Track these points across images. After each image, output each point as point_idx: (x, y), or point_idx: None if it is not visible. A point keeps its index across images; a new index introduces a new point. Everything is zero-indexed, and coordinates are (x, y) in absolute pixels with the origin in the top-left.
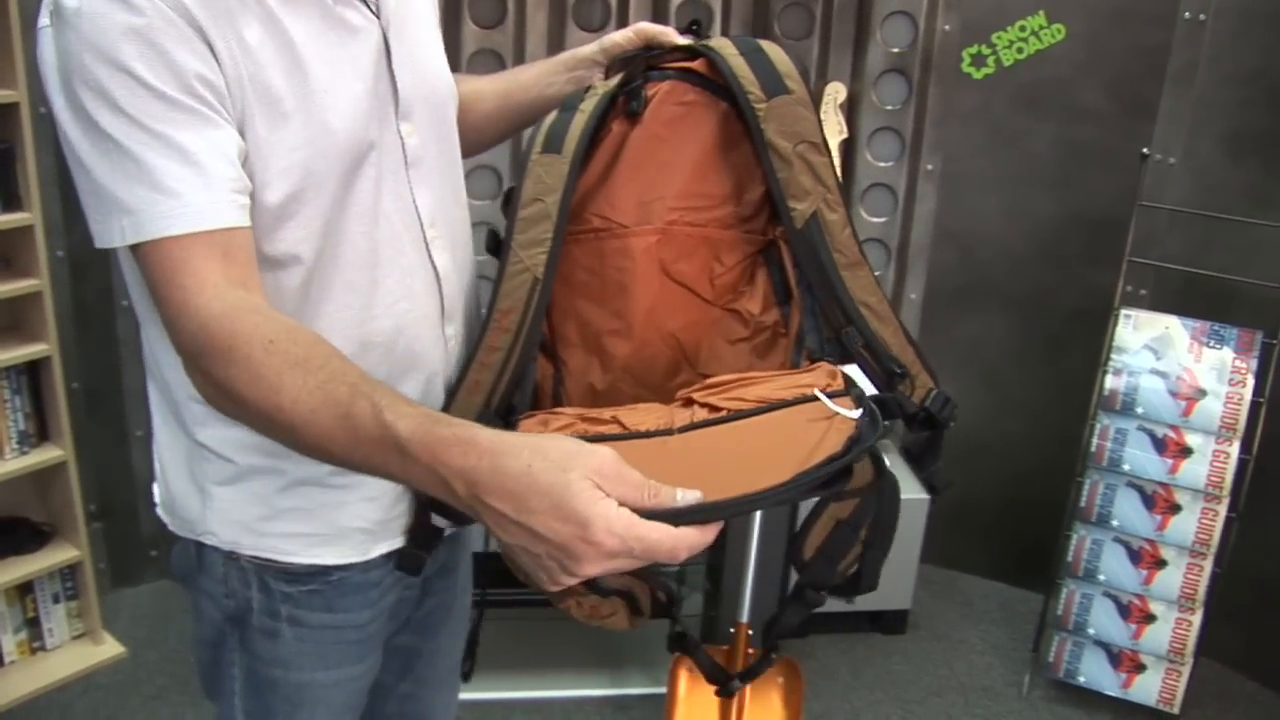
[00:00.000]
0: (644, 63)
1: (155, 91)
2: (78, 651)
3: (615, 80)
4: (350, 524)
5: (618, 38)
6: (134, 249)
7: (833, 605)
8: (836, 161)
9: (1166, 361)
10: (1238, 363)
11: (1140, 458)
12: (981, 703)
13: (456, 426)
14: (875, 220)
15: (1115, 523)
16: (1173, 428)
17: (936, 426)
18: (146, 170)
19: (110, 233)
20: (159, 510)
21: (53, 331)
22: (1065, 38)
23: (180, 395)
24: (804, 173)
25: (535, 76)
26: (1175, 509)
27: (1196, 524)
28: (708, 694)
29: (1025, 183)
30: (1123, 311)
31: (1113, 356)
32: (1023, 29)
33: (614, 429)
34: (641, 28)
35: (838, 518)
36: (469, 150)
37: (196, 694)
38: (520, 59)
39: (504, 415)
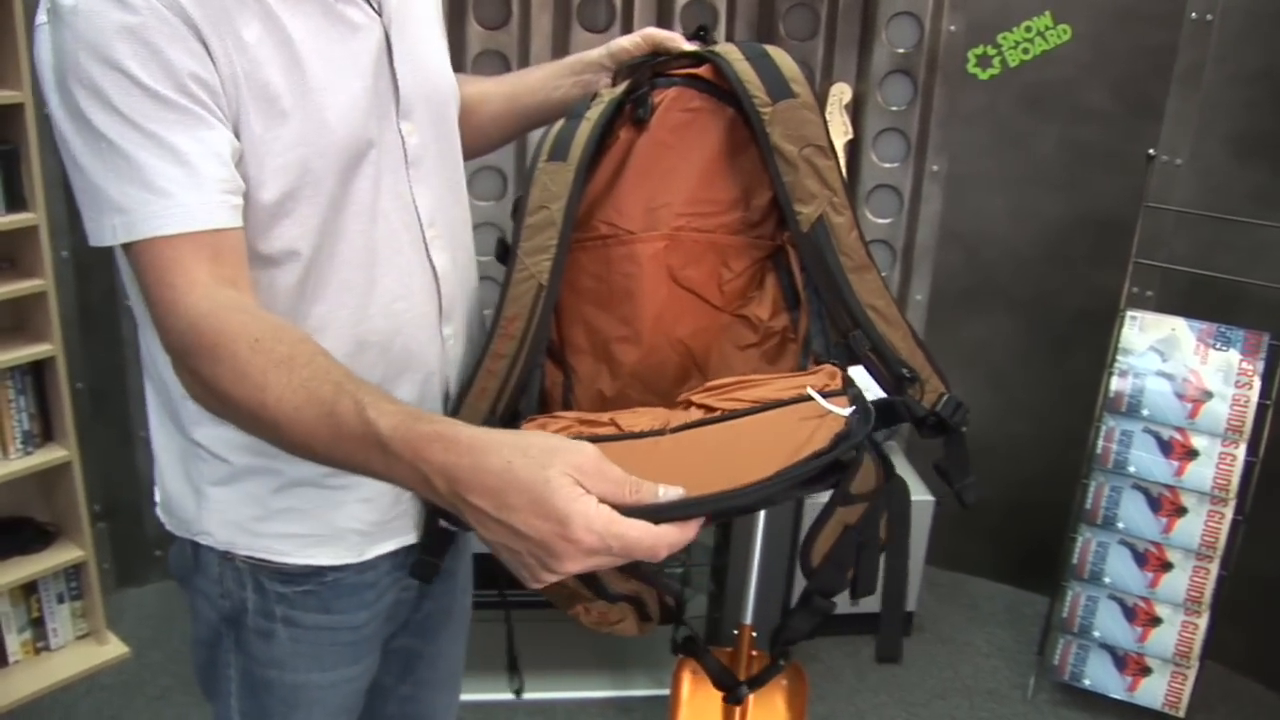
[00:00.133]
0: (650, 69)
1: (149, 90)
2: (82, 651)
3: (621, 87)
4: (346, 525)
5: (625, 43)
6: (125, 248)
7: (838, 606)
8: (841, 162)
9: (1172, 363)
10: (1244, 365)
11: (1146, 460)
12: (986, 705)
13: (438, 423)
14: (880, 221)
15: (1121, 525)
16: (1179, 430)
17: (948, 431)
18: (138, 169)
19: (103, 231)
20: (158, 510)
21: (57, 332)
22: (1071, 38)
23: (176, 394)
24: (810, 176)
25: (542, 79)
26: (1181, 511)
27: (1202, 527)
28: (711, 696)
29: (1031, 184)
30: (1128, 313)
31: (1118, 358)
32: (1028, 30)
33: (610, 430)
34: (649, 33)
35: (846, 523)
36: (474, 151)
37: (200, 694)
38: (525, 60)
39: (509, 422)
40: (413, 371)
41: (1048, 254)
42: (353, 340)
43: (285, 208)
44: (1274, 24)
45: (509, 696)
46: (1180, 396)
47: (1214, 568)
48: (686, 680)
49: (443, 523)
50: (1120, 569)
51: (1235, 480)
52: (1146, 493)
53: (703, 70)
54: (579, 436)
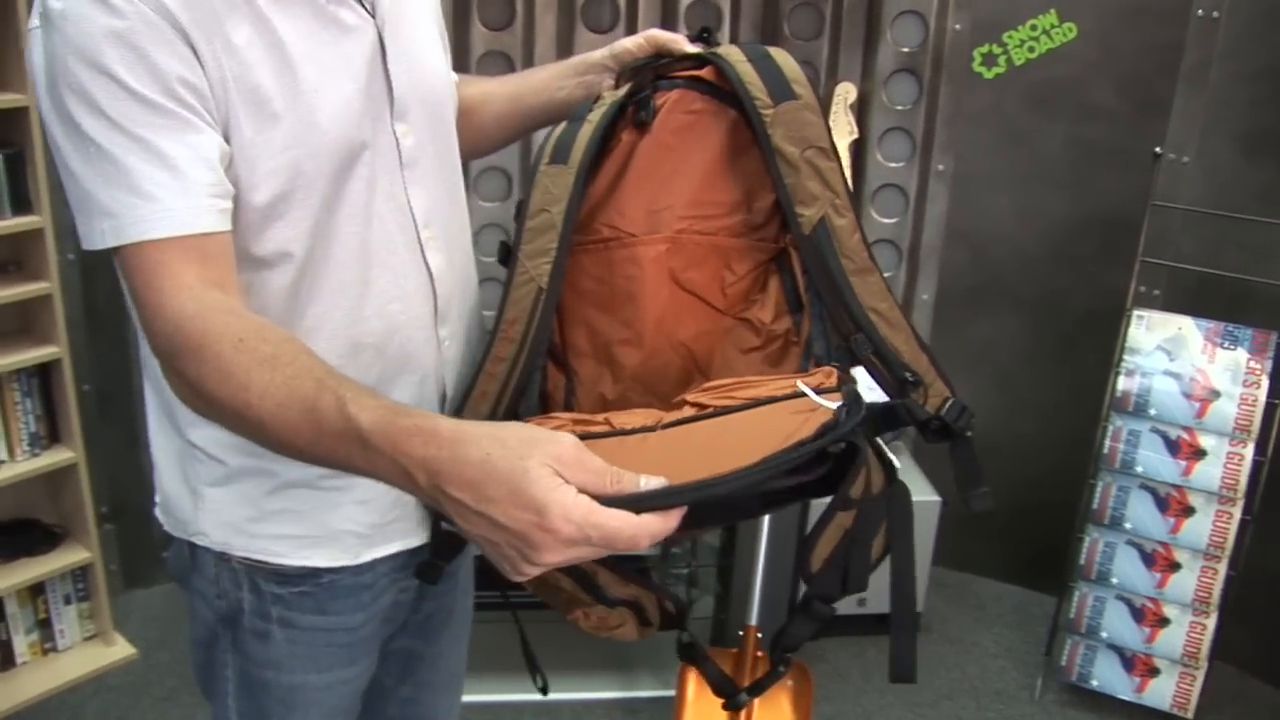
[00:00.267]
0: (653, 72)
1: (136, 95)
2: (89, 652)
3: (624, 90)
4: (342, 527)
5: (628, 44)
6: (114, 251)
7: (844, 608)
8: (847, 162)
9: (1180, 362)
10: (1252, 363)
11: (1153, 460)
12: (994, 706)
13: (418, 417)
14: (886, 221)
15: (1128, 525)
16: (1186, 429)
17: (953, 436)
18: (126, 174)
19: (93, 235)
20: (157, 511)
21: (63, 334)
22: (1077, 36)
23: (173, 396)
24: (811, 178)
25: (545, 80)
26: (1189, 511)
27: (1210, 527)
28: (718, 700)
29: (1037, 183)
30: (1135, 312)
31: (1125, 358)
32: (1034, 28)
33: (603, 429)
34: (652, 35)
35: (845, 528)
36: (477, 152)
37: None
38: (529, 61)
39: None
40: (408, 373)
41: (1054, 253)
42: (348, 341)
43: (278, 210)
44: None
45: (517, 697)
46: (1188, 396)
47: (1222, 568)
48: (692, 682)
49: (444, 524)
50: (1128, 569)
51: (1243, 480)
52: (1154, 493)
53: (705, 72)
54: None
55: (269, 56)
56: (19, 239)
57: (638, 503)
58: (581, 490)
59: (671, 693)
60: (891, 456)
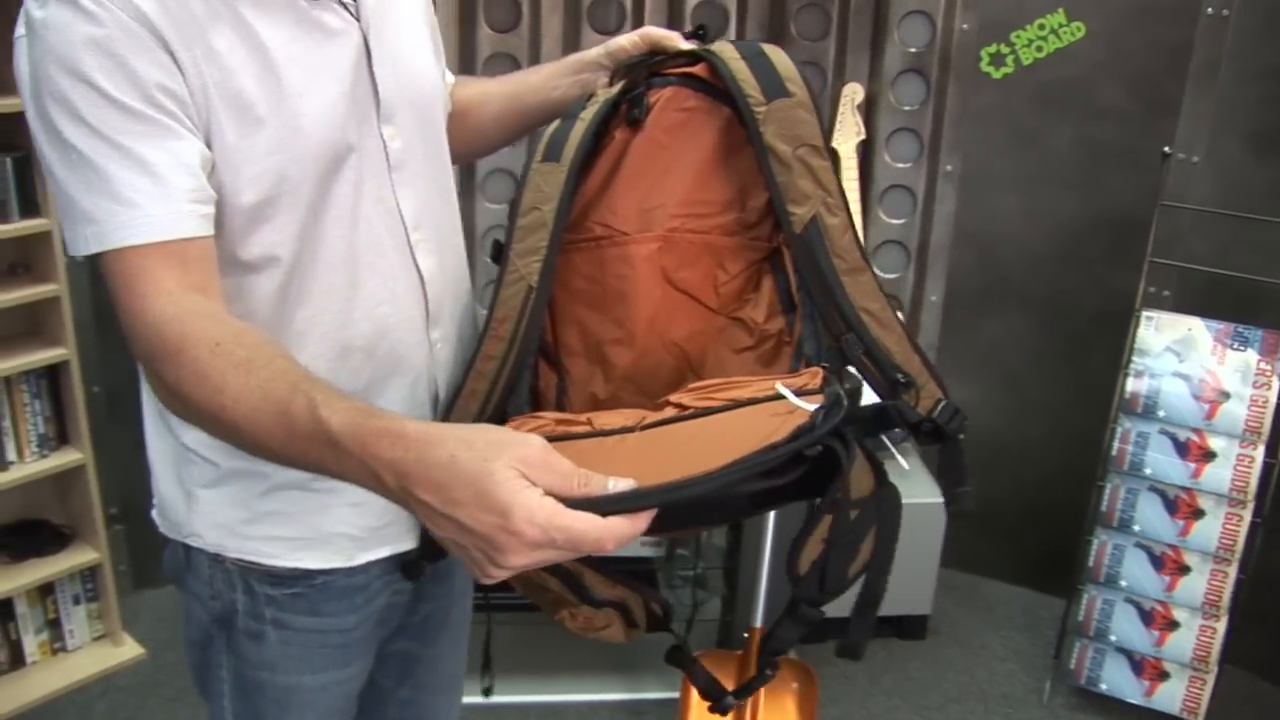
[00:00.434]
0: (646, 69)
1: (115, 102)
2: (98, 652)
3: (617, 88)
4: (335, 529)
5: (623, 42)
6: (98, 257)
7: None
8: (855, 164)
9: (1189, 364)
10: (1262, 365)
11: (1162, 462)
12: (1001, 710)
13: (386, 419)
14: (894, 222)
15: (1137, 528)
16: (1195, 431)
17: (945, 438)
18: (107, 181)
19: (77, 241)
20: (154, 513)
21: (71, 336)
22: (1085, 35)
23: None
24: (803, 176)
25: (541, 79)
26: (1198, 514)
27: (1220, 529)
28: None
29: (1046, 183)
30: (1144, 313)
31: (1134, 359)
32: (1042, 27)
33: (584, 429)
34: (647, 32)
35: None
36: (477, 152)
37: None
38: (535, 62)
39: (496, 423)
40: (400, 375)
41: (1063, 254)
42: (337, 344)
43: (264, 214)
44: None
45: (522, 699)
46: (1197, 397)
47: (1232, 571)
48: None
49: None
50: (1137, 572)
51: (1254, 482)
52: (1163, 495)
53: (698, 69)
54: (552, 436)
55: (252, 61)
56: (27, 241)
57: (604, 505)
58: (549, 492)
59: (676, 695)
60: (899, 458)
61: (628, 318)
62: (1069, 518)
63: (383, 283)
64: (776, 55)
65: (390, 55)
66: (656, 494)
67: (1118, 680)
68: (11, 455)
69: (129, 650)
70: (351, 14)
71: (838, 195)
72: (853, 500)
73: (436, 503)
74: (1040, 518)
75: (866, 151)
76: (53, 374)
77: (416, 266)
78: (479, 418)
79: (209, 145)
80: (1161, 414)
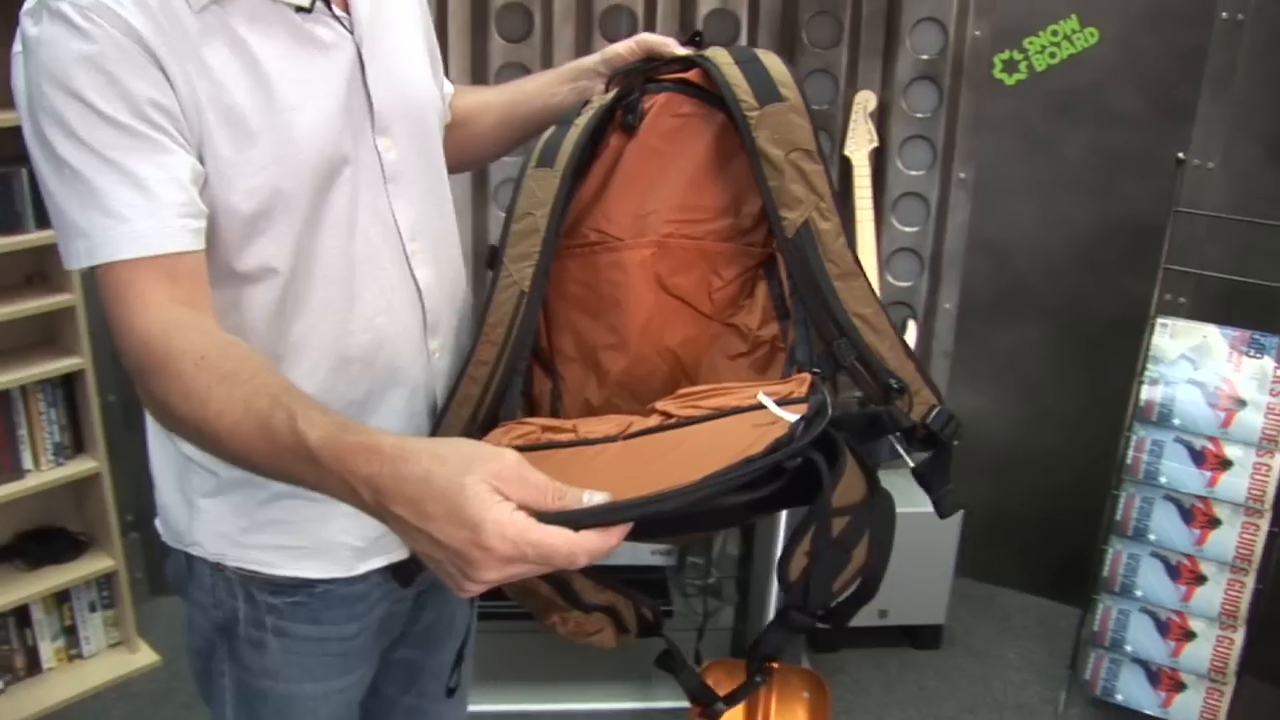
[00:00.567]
0: (641, 75)
1: (107, 118)
2: (113, 659)
3: (612, 94)
4: (335, 538)
5: (619, 49)
6: (90, 270)
7: (865, 619)
8: (868, 171)
9: (1204, 371)
10: (1279, 372)
11: (1178, 470)
12: None
13: (363, 434)
14: (907, 230)
15: (1152, 537)
16: (1211, 439)
17: (939, 445)
18: (98, 195)
19: (70, 255)
20: (157, 522)
21: (86, 345)
22: (1099, 41)
23: None
24: (796, 181)
25: (539, 87)
26: (1215, 523)
27: (1237, 539)
28: (733, 710)
29: (1060, 190)
30: (1159, 320)
31: (1149, 366)
32: (1055, 33)
33: (569, 437)
34: (643, 39)
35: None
36: (477, 161)
37: None
38: None
39: (489, 428)
40: (398, 386)
41: (1078, 261)
42: (335, 355)
43: (259, 226)
44: None
45: (533, 707)
46: (1213, 405)
47: (1249, 581)
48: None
49: None
50: (1152, 582)
51: (1270, 491)
52: (1179, 504)
53: (692, 75)
54: (537, 444)
55: (245, 76)
56: (42, 252)
57: (577, 519)
58: (523, 506)
59: (687, 704)
60: (906, 458)
61: (621, 323)
62: (1085, 526)
63: (380, 293)
64: (770, 60)
65: (384, 68)
66: (630, 508)
67: (1134, 691)
68: (28, 463)
69: (144, 657)
70: (345, 27)
71: (830, 200)
72: (842, 508)
73: (411, 517)
74: (1056, 526)
75: (879, 159)
76: (68, 383)
77: (413, 277)
78: (471, 423)
79: (202, 159)
80: (1177, 422)
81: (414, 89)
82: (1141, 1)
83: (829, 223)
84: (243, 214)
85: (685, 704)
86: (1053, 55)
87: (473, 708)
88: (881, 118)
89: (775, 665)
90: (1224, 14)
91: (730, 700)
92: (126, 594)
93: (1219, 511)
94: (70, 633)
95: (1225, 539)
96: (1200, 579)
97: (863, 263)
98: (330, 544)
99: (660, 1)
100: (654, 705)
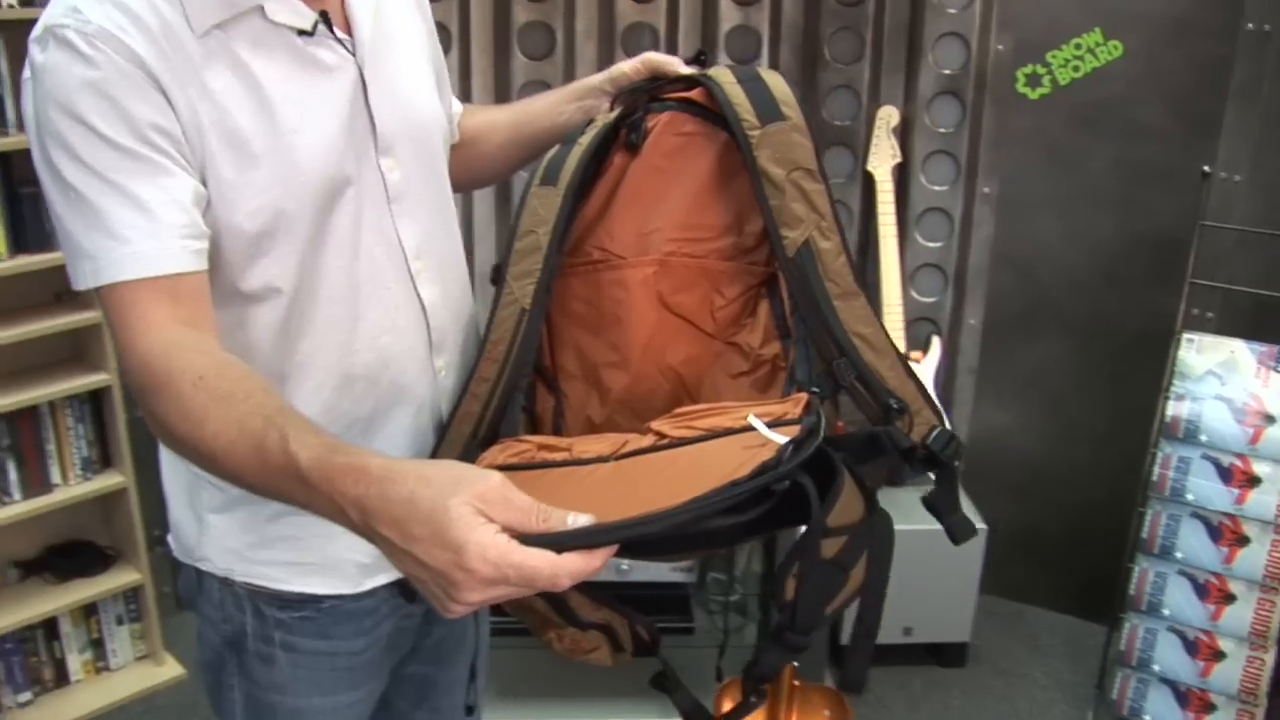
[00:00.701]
0: (646, 94)
1: (110, 142)
2: (140, 672)
3: (615, 112)
4: (342, 555)
5: (625, 68)
6: (95, 291)
7: (889, 637)
8: (891, 187)
9: (1232, 387)
10: None
11: (1205, 487)
12: None
13: (352, 455)
14: (931, 245)
15: (1180, 555)
16: (1239, 456)
17: (940, 466)
18: (102, 217)
19: (77, 276)
20: (169, 537)
21: (113, 362)
22: (1123, 54)
23: None
24: (796, 200)
25: (545, 106)
26: (1243, 541)
27: (1266, 557)
28: None
29: (1085, 204)
30: (1185, 335)
31: (1175, 382)
32: (1078, 47)
33: (563, 456)
34: (648, 58)
35: (823, 556)
36: (485, 180)
37: None
38: None
39: (488, 445)
40: (404, 403)
41: (1103, 275)
42: (340, 374)
43: (262, 247)
44: None
45: None
46: (1240, 421)
47: None
48: (726, 709)
49: None
50: (1180, 600)
51: None
52: (1206, 521)
53: (695, 94)
54: (531, 462)
55: (247, 99)
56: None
57: (560, 541)
58: (508, 528)
59: None
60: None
61: (623, 341)
62: (1112, 543)
63: (385, 312)
64: (773, 79)
65: (387, 89)
66: (612, 531)
67: (1162, 712)
68: (56, 478)
69: (170, 670)
70: (347, 49)
71: (832, 219)
72: (839, 528)
73: (396, 538)
74: (1083, 543)
75: (903, 175)
76: (95, 399)
77: (418, 296)
78: (472, 439)
79: (205, 181)
80: (1204, 438)
81: (417, 109)
82: (1166, 13)
83: (830, 242)
84: (246, 235)
85: None
86: (1076, 68)
87: None
88: (904, 133)
89: (796, 684)
90: (1250, 25)
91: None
92: (153, 607)
93: (1247, 529)
94: (98, 645)
95: (1254, 557)
96: (1229, 598)
97: (886, 278)
98: (337, 560)
99: (682, 18)
100: None
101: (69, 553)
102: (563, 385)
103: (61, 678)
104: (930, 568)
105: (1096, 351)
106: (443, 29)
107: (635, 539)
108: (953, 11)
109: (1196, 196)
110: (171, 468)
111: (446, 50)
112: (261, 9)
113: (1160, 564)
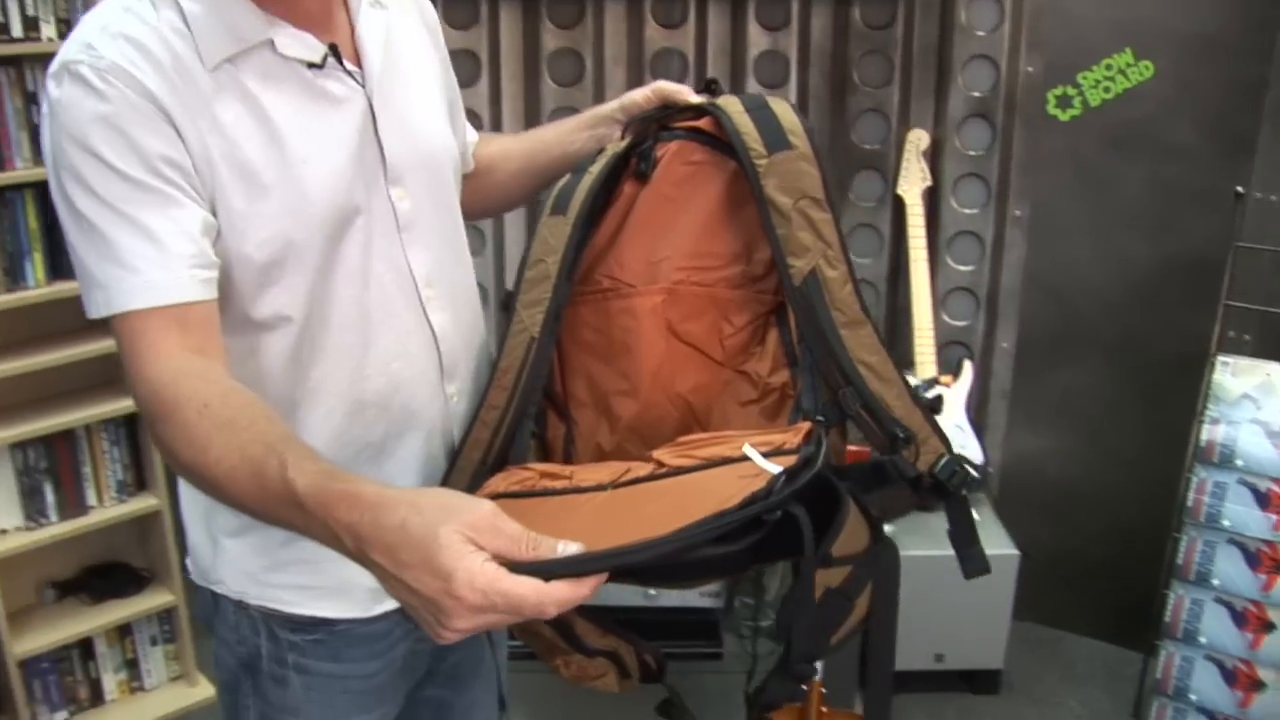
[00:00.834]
0: (656, 123)
1: (121, 174)
2: (173, 693)
3: (625, 141)
4: (354, 579)
5: (636, 96)
6: (107, 320)
7: (921, 663)
8: (921, 210)
9: (1268, 411)
10: None
11: (1241, 513)
12: None
13: (348, 482)
14: (962, 268)
15: (1216, 582)
16: (1276, 481)
17: (948, 495)
18: (113, 248)
19: (90, 305)
20: (187, 559)
21: None
22: (1154, 75)
23: None
24: (803, 228)
25: (559, 135)
26: None
27: None
28: None
29: (1117, 226)
30: (1220, 358)
31: (1210, 406)
32: (1109, 67)
33: (564, 484)
34: (659, 86)
35: (827, 585)
36: (500, 208)
37: None
38: None
39: (497, 471)
40: (415, 429)
41: (1136, 298)
42: (351, 400)
43: (272, 276)
44: None
45: None
46: (1278, 446)
47: None
48: None
49: None
50: (1217, 628)
51: None
52: (1243, 548)
53: (704, 123)
54: (533, 490)
55: (257, 132)
56: None
57: (548, 569)
58: (497, 555)
59: None
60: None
61: (632, 369)
62: (1148, 569)
63: (395, 339)
64: (780, 108)
65: (397, 119)
66: (599, 560)
67: None
68: (92, 500)
69: (203, 691)
70: (357, 81)
71: (839, 248)
72: (844, 557)
73: (388, 565)
74: (1119, 569)
75: (933, 198)
76: (130, 423)
77: (429, 323)
78: (481, 466)
79: (215, 212)
80: (1240, 463)
81: (427, 139)
82: (1197, 33)
83: (836, 270)
84: (256, 264)
85: None
86: (1107, 90)
87: None
88: (934, 156)
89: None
90: None
91: None
92: (186, 628)
93: None
94: (132, 665)
95: None
96: (1268, 626)
97: (917, 302)
98: (349, 584)
99: (711, 44)
100: None
101: (104, 574)
102: (574, 413)
103: (96, 697)
104: (962, 593)
105: (1130, 375)
106: (473, 56)
107: (622, 567)
108: (982, 34)
109: (1230, 217)
110: (189, 492)
111: (477, 78)
112: (271, 43)
113: (1196, 591)
